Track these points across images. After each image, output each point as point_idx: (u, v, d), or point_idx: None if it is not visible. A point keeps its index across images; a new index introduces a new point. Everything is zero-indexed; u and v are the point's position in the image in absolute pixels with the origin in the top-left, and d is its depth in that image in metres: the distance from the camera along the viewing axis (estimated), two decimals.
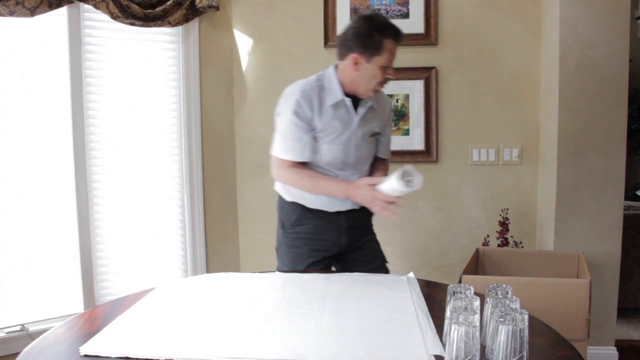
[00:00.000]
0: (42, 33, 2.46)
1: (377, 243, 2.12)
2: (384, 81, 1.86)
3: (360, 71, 1.83)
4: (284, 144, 1.91)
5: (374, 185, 1.81)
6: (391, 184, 1.75)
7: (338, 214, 1.96)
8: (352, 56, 1.82)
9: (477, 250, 2.52)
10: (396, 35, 1.81)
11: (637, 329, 3.12)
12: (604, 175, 2.54)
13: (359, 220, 2.01)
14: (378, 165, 2.09)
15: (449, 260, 3.00)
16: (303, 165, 1.91)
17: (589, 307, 1.98)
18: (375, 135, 2.00)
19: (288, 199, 2.02)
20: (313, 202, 1.95)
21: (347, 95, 1.88)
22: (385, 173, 2.07)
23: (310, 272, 1.92)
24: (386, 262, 2.11)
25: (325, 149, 1.89)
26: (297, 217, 2.00)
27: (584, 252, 2.53)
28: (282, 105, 1.94)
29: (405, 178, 1.72)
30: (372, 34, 1.79)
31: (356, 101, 1.91)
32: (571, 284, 2.02)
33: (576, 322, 1.97)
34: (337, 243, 2.00)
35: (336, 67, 1.92)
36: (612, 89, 2.49)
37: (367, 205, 1.83)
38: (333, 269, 2.08)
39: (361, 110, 1.91)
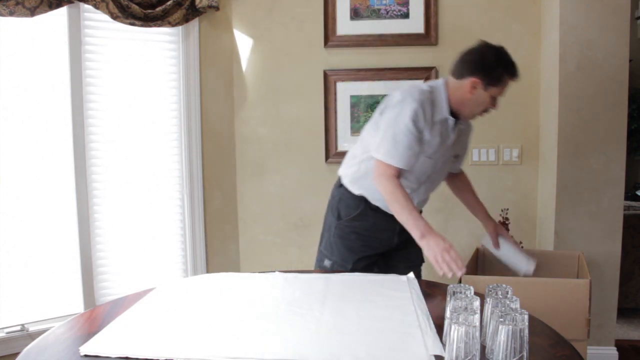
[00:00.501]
0: (42, 33, 2.46)
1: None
2: (487, 110, 1.93)
3: (474, 95, 1.87)
4: (395, 150, 1.83)
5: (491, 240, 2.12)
6: (515, 256, 2.12)
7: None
8: (472, 80, 1.85)
9: (477, 250, 2.52)
10: (515, 74, 1.88)
11: (637, 329, 3.12)
12: (604, 175, 2.54)
13: None
14: (460, 179, 2.24)
15: None
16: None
17: (589, 307, 1.97)
18: (458, 156, 2.10)
19: (355, 192, 2.02)
20: (378, 200, 1.96)
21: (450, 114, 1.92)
22: (468, 183, 2.25)
23: (360, 269, 1.98)
24: (423, 261, 2.14)
25: (421, 160, 1.91)
26: (358, 212, 2.01)
27: (584, 252, 2.53)
28: (394, 108, 1.86)
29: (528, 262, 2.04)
30: (497, 67, 1.85)
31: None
32: (571, 284, 2.02)
33: (576, 322, 1.96)
34: (388, 243, 2.05)
35: (446, 82, 1.93)
36: (612, 89, 2.49)
37: (432, 253, 1.71)
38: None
39: (457, 131, 1.96)
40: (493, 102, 1.89)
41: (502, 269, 2.48)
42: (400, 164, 1.84)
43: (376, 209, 2.00)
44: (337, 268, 2.02)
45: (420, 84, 1.98)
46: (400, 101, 1.85)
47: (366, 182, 1.97)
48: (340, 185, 2.08)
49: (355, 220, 2.01)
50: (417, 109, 1.82)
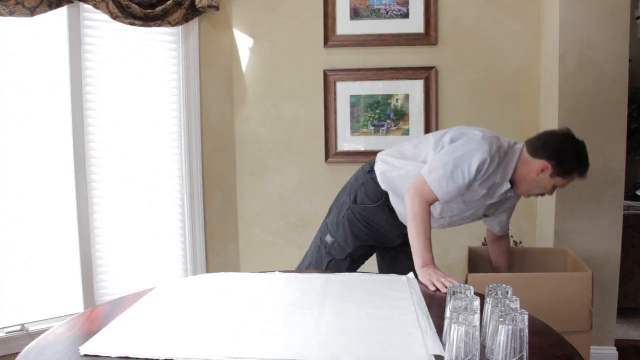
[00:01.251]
0: (42, 33, 2.46)
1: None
2: (543, 194, 1.96)
3: (539, 178, 1.87)
4: (446, 184, 1.80)
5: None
6: None
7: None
8: (544, 163, 1.85)
9: (469, 250, 2.52)
10: (584, 173, 1.90)
11: (637, 329, 3.12)
12: (604, 175, 2.54)
13: None
14: (502, 243, 2.24)
15: (449, 260, 3.00)
16: None
17: (592, 299, 2.01)
18: (486, 216, 2.09)
19: (382, 186, 2.00)
20: (397, 204, 1.98)
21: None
22: (505, 251, 2.25)
23: (358, 257, 2.06)
24: None
25: (457, 201, 1.92)
26: (376, 205, 2.01)
27: (584, 252, 2.53)
28: (468, 145, 1.83)
29: None
30: (572, 161, 1.85)
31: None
32: (574, 277, 2.06)
33: (580, 314, 2.00)
34: (391, 241, 2.09)
35: (521, 152, 1.91)
36: (612, 89, 2.49)
37: (427, 278, 1.70)
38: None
39: (506, 196, 1.96)
40: (552, 190, 1.92)
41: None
42: (442, 198, 1.83)
43: (392, 209, 2.01)
44: (336, 247, 2.05)
45: (502, 140, 1.92)
46: (477, 142, 1.81)
47: (399, 185, 1.95)
48: (370, 171, 2.05)
49: (370, 211, 2.02)
50: (487, 161, 1.79)
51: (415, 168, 1.90)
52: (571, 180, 1.89)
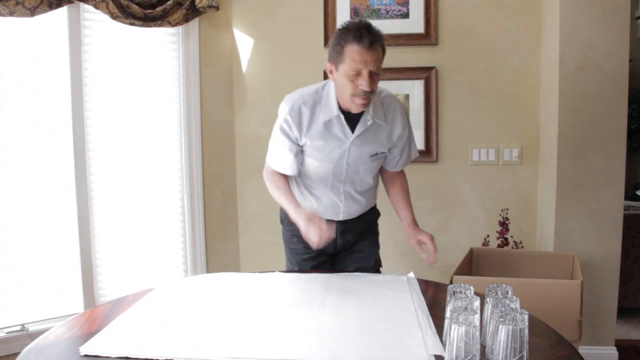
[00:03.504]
0: (42, 33, 2.46)
1: (375, 246, 2.08)
2: (358, 93, 1.67)
3: (336, 81, 1.72)
4: (272, 155, 1.91)
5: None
6: None
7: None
8: (327, 65, 1.73)
9: (471, 250, 2.52)
10: (360, 39, 1.60)
11: (637, 329, 3.12)
12: (604, 175, 2.54)
13: (356, 224, 1.99)
14: (395, 179, 1.99)
15: (449, 260, 2.99)
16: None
17: (581, 308, 1.96)
18: (380, 154, 1.88)
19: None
20: (306, 205, 1.91)
21: (344, 111, 1.77)
22: (403, 188, 1.98)
23: (308, 269, 1.95)
24: (380, 266, 2.07)
25: (315, 164, 1.85)
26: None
27: (584, 252, 2.53)
28: (279, 112, 1.86)
29: None
30: (338, 41, 1.66)
31: (358, 117, 1.78)
32: (562, 285, 2.01)
33: (567, 323, 1.94)
34: (330, 244, 1.90)
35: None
36: (612, 89, 2.49)
37: (303, 231, 1.71)
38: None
39: (359, 128, 1.78)
40: (355, 81, 1.65)
41: (496, 270, 2.48)
42: (278, 169, 1.89)
43: None
44: (290, 269, 2.03)
45: (309, 87, 1.84)
46: (280, 108, 1.85)
47: (293, 187, 1.96)
48: None
49: (292, 223, 1.87)
50: (287, 117, 1.79)
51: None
52: (352, 59, 1.62)
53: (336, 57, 1.67)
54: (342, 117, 1.77)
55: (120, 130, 2.71)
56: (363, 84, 1.64)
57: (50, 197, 2.54)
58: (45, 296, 2.54)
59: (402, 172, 2.02)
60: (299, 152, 1.85)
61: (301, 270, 1.97)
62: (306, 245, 1.91)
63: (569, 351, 1.19)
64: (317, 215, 1.69)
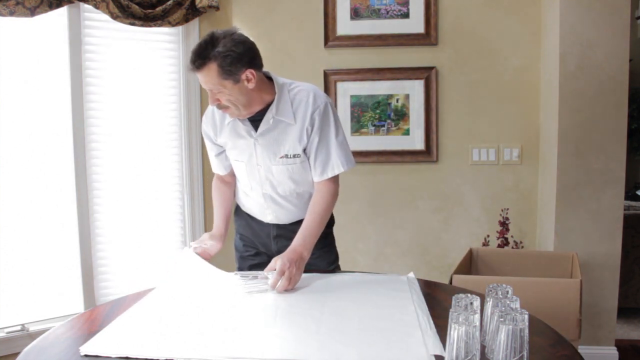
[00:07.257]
0: (42, 33, 2.46)
1: (326, 255, 1.93)
2: (219, 107, 1.68)
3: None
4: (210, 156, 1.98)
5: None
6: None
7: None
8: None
9: (470, 251, 2.53)
10: (190, 61, 1.61)
11: (637, 329, 3.12)
12: (604, 175, 2.54)
13: (290, 230, 1.83)
14: (315, 191, 1.79)
15: (449, 260, 3.00)
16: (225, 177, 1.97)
17: (580, 307, 1.97)
18: (292, 157, 1.74)
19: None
20: (244, 205, 1.98)
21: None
22: (315, 204, 1.76)
23: (247, 267, 1.97)
24: (334, 266, 1.95)
25: (234, 164, 1.88)
26: (235, 212, 2.03)
27: (584, 252, 2.53)
28: None
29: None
30: None
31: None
32: (562, 284, 2.01)
33: (567, 322, 1.95)
34: (267, 247, 1.94)
35: None
36: (612, 89, 2.49)
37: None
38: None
39: (262, 126, 1.72)
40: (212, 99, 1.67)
41: (496, 270, 2.49)
42: (213, 169, 1.99)
43: (247, 214, 1.98)
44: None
45: None
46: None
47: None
48: None
49: (236, 221, 2.02)
50: (204, 118, 1.87)
51: None
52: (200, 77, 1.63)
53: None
54: (240, 119, 1.74)
55: (120, 130, 2.71)
56: (212, 99, 1.69)
57: (50, 197, 2.54)
58: (46, 296, 2.54)
59: (327, 184, 1.77)
60: (221, 152, 1.90)
61: (239, 268, 2.00)
62: (246, 243, 2.00)
63: (569, 351, 1.19)
64: (207, 237, 1.83)
